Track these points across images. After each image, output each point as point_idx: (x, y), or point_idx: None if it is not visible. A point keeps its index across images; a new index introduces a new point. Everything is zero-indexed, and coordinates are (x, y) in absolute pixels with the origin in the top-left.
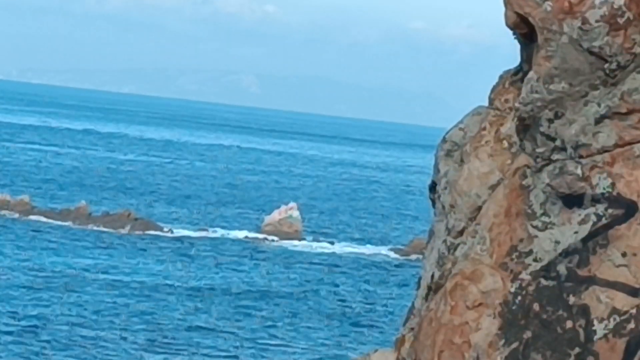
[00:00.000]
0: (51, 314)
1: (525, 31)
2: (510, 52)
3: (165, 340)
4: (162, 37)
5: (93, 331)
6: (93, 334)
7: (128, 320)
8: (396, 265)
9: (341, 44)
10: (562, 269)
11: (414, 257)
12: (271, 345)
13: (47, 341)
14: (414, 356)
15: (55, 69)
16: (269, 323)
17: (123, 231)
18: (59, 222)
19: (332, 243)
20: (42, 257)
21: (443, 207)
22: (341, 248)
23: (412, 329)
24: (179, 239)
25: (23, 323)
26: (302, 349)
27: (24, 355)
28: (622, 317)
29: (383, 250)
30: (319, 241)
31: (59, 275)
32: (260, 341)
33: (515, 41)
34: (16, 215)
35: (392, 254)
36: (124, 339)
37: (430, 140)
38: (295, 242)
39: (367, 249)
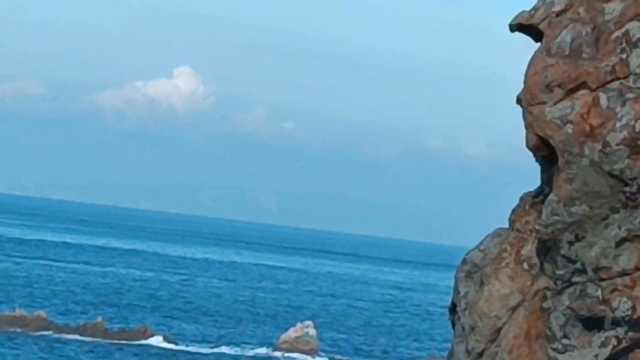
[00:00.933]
0: None
1: (546, 153)
2: (529, 171)
3: None
4: (180, 153)
5: None
6: None
7: None
8: None
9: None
10: None
11: None
12: None
13: None
14: None
15: (73, 184)
16: None
17: (139, 347)
18: (76, 337)
19: None
20: None
21: (463, 328)
22: None
23: None
24: (195, 355)
25: None
26: None
27: None
28: None
29: None
30: (335, 359)
31: None
32: None
33: (534, 160)
34: (33, 332)
35: None
36: None
37: (447, 259)
38: None
39: None
